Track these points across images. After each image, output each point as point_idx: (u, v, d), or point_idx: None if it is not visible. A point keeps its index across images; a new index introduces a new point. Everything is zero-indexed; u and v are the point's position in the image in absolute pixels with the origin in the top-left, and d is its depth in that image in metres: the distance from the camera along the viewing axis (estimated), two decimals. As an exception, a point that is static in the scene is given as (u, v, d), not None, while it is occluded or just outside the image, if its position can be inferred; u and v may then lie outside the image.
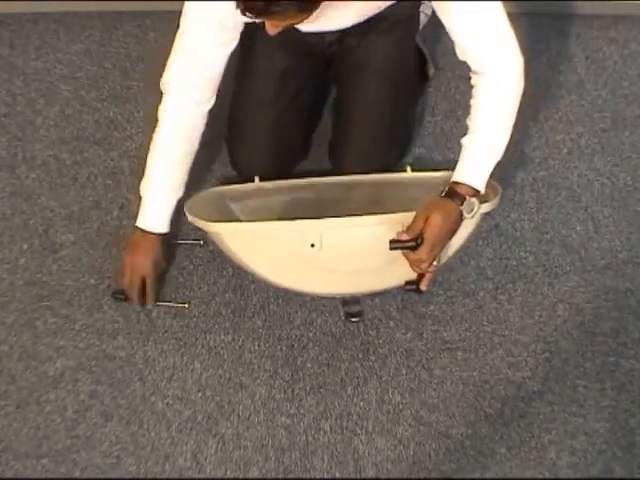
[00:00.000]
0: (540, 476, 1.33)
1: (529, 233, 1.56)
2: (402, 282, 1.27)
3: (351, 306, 1.43)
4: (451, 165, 1.20)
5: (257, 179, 1.38)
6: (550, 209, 1.59)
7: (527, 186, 1.62)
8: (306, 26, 1.07)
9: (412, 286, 1.25)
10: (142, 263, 1.31)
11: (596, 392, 1.40)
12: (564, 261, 1.53)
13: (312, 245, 1.21)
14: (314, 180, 1.39)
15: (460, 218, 1.17)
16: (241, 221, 1.40)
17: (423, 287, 1.23)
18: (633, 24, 1.83)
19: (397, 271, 1.24)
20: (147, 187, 1.29)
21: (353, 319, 1.44)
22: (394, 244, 1.16)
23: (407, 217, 1.18)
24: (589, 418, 1.38)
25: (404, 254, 1.18)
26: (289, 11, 0.94)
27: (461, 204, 1.15)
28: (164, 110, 1.25)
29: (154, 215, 1.30)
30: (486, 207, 1.21)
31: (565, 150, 1.67)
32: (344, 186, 1.40)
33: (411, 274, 1.23)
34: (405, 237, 1.15)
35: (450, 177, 1.20)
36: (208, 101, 1.26)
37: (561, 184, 1.62)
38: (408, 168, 1.41)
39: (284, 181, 1.39)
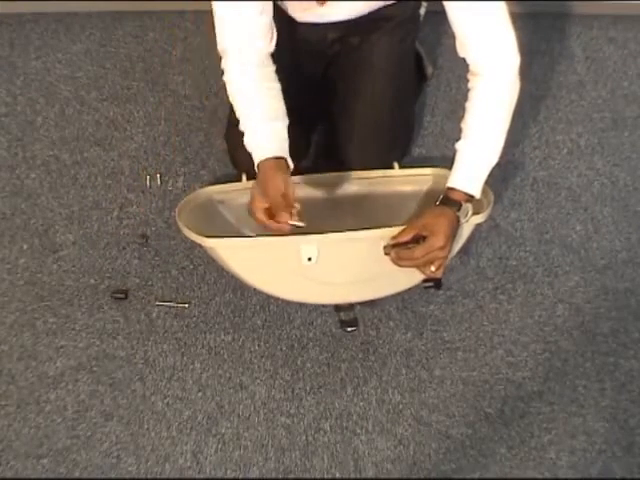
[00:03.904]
0: (540, 476, 1.33)
1: (529, 233, 1.56)
2: (399, 290, 1.28)
3: (345, 312, 1.42)
4: (448, 165, 1.19)
5: (244, 177, 1.35)
6: (550, 209, 1.59)
7: (527, 186, 1.62)
8: (311, 14, 1.05)
9: (430, 283, 1.26)
10: (273, 181, 1.11)
11: (596, 392, 1.41)
12: (564, 261, 1.53)
13: (309, 259, 1.19)
14: (307, 178, 1.38)
15: (457, 224, 1.15)
16: (231, 222, 1.38)
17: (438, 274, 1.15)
18: (633, 24, 1.83)
19: (394, 280, 1.24)
20: (252, 137, 1.18)
21: (349, 328, 1.41)
22: (387, 249, 1.14)
23: None
24: (589, 418, 1.38)
25: (432, 256, 1.12)
26: None
27: (457, 210, 1.13)
28: (231, 72, 1.18)
29: (269, 142, 1.17)
30: (479, 218, 1.19)
31: (565, 150, 1.67)
32: (337, 184, 1.39)
33: (407, 282, 1.22)
34: (404, 238, 1.13)
35: (438, 173, 1.21)
36: (268, 44, 1.19)
37: (561, 184, 1.62)
38: (396, 165, 1.39)
39: None
